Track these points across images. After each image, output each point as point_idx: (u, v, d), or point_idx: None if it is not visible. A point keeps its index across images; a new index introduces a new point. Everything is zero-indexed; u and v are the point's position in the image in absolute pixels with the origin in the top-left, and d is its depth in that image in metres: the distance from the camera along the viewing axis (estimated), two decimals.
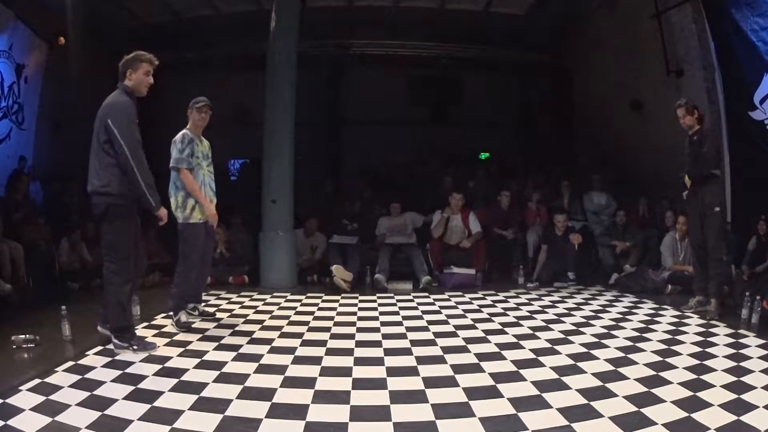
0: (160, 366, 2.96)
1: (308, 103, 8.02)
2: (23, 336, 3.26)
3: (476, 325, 4.01)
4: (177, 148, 3.97)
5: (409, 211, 6.36)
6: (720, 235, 4.29)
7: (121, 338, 3.21)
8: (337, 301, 4.91)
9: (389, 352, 3.29)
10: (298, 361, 3.11)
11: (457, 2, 8.40)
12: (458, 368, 2.96)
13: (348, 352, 3.29)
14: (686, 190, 4.45)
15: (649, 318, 4.18)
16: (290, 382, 2.75)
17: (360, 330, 3.85)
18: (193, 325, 3.89)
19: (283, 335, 3.69)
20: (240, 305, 4.69)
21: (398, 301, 4.93)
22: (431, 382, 2.74)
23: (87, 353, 3.13)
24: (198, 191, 3.93)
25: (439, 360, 3.13)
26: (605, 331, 3.79)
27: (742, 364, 2.98)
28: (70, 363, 2.95)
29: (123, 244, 3.18)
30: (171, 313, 3.92)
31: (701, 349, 3.29)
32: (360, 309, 4.59)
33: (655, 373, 2.85)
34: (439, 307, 4.69)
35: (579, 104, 9.45)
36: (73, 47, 6.82)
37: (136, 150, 3.08)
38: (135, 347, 3.19)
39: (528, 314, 4.38)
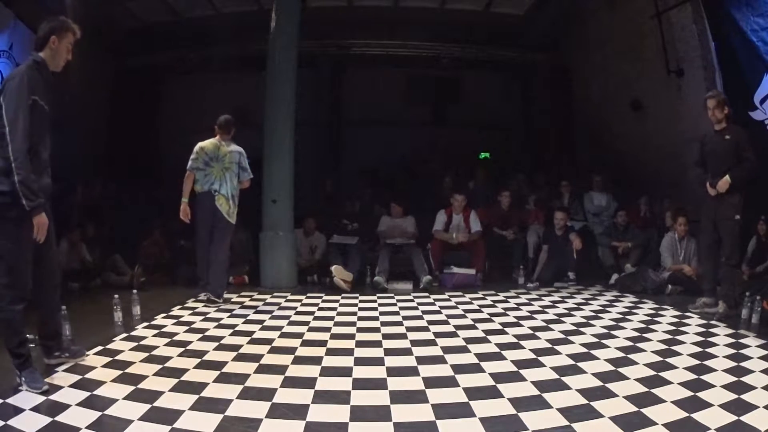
0: (160, 366, 2.96)
1: (308, 103, 8.03)
2: None
3: (476, 325, 4.00)
4: (246, 160, 4.84)
5: (410, 216, 6.36)
6: (737, 242, 4.21)
7: (17, 365, 2.56)
8: (337, 301, 4.91)
9: (389, 352, 3.28)
10: (299, 361, 3.11)
11: (457, 2, 8.41)
12: (458, 368, 2.96)
13: (348, 352, 3.29)
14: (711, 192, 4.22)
15: (649, 318, 4.18)
16: (290, 382, 2.75)
17: (360, 330, 3.85)
18: (193, 325, 3.91)
19: (284, 335, 3.69)
20: (240, 305, 4.69)
21: (398, 301, 4.93)
22: (431, 382, 2.74)
23: (87, 353, 3.13)
24: None
25: (439, 360, 3.13)
26: (605, 331, 3.79)
27: (743, 364, 2.98)
28: (71, 363, 2.95)
29: (15, 254, 2.56)
30: (209, 294, 4.68)
31: (701, 350, 3.28)
32: (360, 309, 4.58)
33: (655, 373, 2.85)
34: (439, 307, 4.68)
35: (579, 104, 9.45)
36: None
37: (17, 135, 2.48)
38: (23, 379, 2.53)
39: (528, 314, 4.37)
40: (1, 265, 2.55)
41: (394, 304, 4.77)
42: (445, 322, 4.09)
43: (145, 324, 3.92)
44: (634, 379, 2.75)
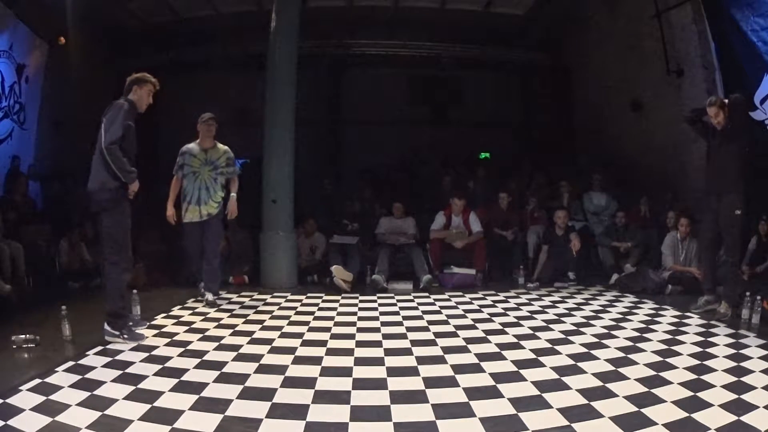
0: (161, 366, 2.96)
1: (308, 102, 8.02)
2: (23, 336, 3.26)
3: (476, 325, 4.01)
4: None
5: (410, 216, 6.36)
6: (737, 238, 4.21)
7: (114, 325, 3.41)
8: (337, 301, 4.91)
9: (389, 352, 3.29)
10: (299, 361, 3.11)
11: (457, 2, 8.41)
12: (458, 368, 2.96)
13: (348, 352, 3.29)
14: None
15: (649, 318, 4.18)
16: (290, 382, 2.75)
17: (360, 330, 3.85)
18: (193, 325, 3.91)
19: (284, 335, 3.69)
20: (240, 305, 4.69)
21: (398, 301, 4.93)
22: (431, 382, 2.75)
23: (87, 353, 3.14)
24: (170, 195, 4.69)
25: (439, 360, 3.13)
26: (605, 331, 3.79)
27: (743, 364, 2.98)
28: (70, 363, 2.96)
29: (121, 235, 3.48)
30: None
31: (701, 350, 3.29)
32: (360, 309, 4.58)
33: (655, 373, 2.85)
34: (439, 307, 4.68)
35: (579, 104, 9.44)
36: (73, 47, 6.82)
37: (109, 134, 3.39)
38: (125, 336, 3.41)
39: (528, 314, 4.37)
40: (114, 245, 3.44)
41: (394, 304, 4.77)
42: (445, 322, 4.09)
43: (146, 324, 3.92)
44: (634, 379, 2.75)
